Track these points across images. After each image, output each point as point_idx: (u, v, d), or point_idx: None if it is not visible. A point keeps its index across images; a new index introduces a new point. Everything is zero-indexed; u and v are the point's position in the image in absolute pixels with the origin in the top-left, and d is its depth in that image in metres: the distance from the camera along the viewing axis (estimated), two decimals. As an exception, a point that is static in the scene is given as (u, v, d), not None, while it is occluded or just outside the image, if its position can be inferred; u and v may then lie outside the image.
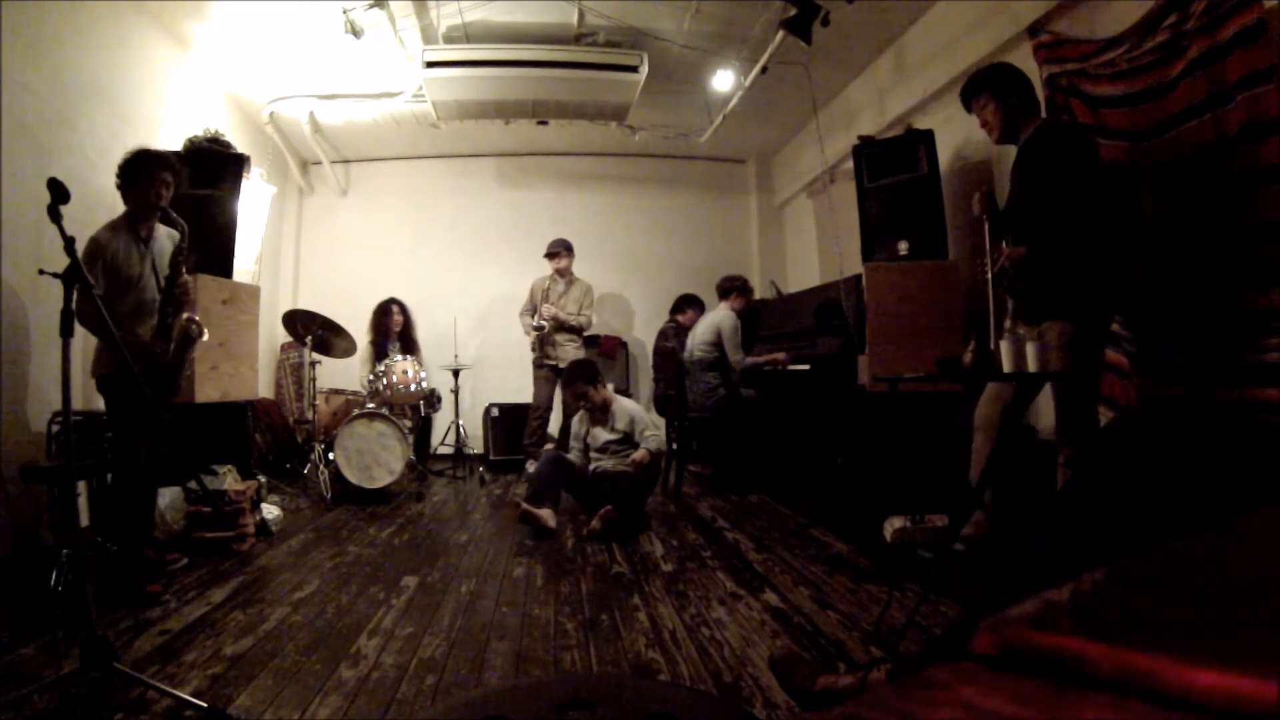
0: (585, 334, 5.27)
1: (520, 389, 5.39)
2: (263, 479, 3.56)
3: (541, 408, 5.09)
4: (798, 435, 4.24)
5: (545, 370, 5.10)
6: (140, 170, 2.50)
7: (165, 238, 2.65)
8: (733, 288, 4.49)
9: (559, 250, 5.18)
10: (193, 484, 2.97)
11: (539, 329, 5.03)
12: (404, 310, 5.25)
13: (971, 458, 2.60)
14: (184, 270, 2.59)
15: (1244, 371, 2.21)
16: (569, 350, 5.08)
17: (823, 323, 4.14)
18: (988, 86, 2.45)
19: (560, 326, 5.07)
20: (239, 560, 2.84)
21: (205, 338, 2.68)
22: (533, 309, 5.19)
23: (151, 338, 2.50)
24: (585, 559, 2.86)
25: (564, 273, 5.21)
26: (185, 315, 2.59)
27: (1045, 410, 2.68)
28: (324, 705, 1.61)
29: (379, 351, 5.01)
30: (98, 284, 2.29)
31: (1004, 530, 2.43)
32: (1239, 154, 2.19)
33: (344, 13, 3.68)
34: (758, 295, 5.60)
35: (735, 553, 2.89)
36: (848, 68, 4.61)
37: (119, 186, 2.53)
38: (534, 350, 5.14)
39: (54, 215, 1.61)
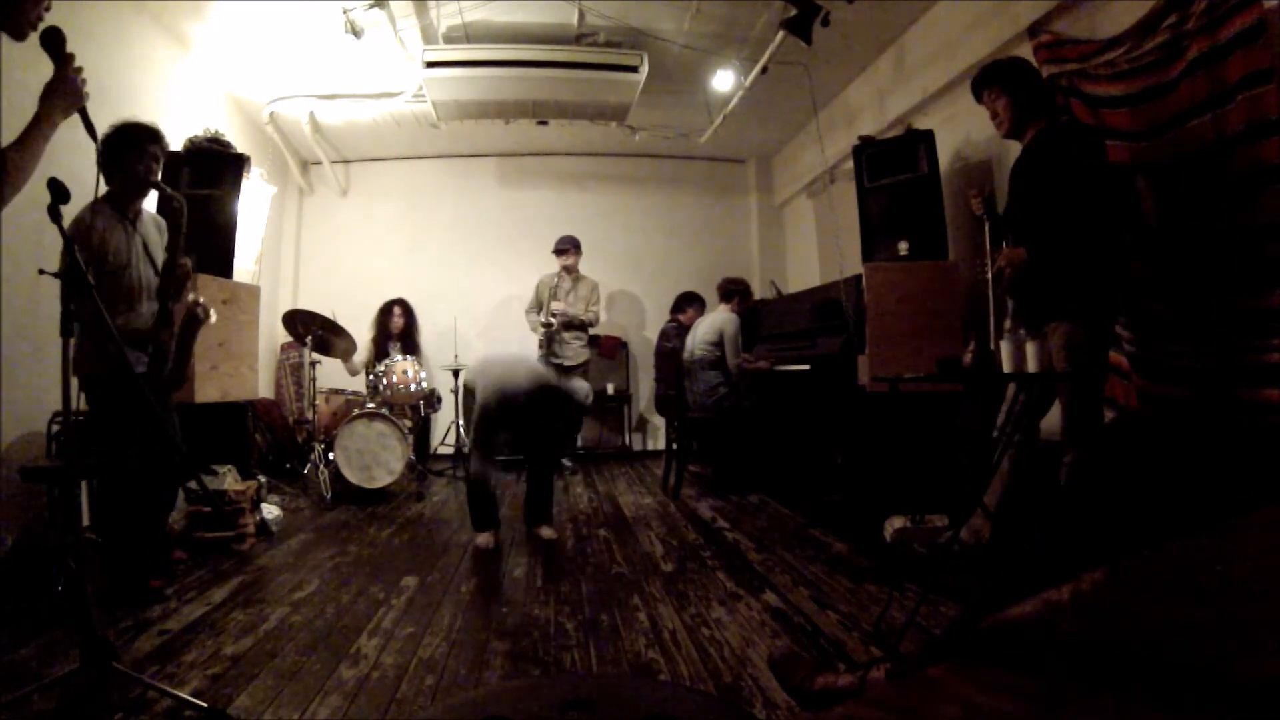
0: (590, 332, 5.27)
1: (520, 389, 5.39)
2: (263, 479, 3.56)
3: None
4: (798, 435, 4.24)
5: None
6: (127, 142, 2.33)
7: (151, 222, 2.49)
8: (734, 292, 4.49)
9: (568, 247, 5.17)
10: (193, 484, 2.96)
11: (547, 326, 5.01)
12: (407, 312, 5.25)
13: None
14: (183, 250, 2.39)
15: (1245, 372, 2.21)
16: (575, 349, 5.09)
17: (823, 323, 4.14)
18: (1002, 79, 2.45)
19: (568, 324, 5.05)
20: (239, 560, 2.84)
21: (213, 320, 2.51)
22: (539, 307, 5.18)
23: (153, 325, 2.33)
24: (585, 559, 2.86)
25: (571, 270, 5.21)
26: (191, 298, 2.43)
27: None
28: (324, 705, 1.61)
29: (380, 351, 5.02)
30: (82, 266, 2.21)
31: (1001, 534, 2.42)
32: (1240, 154, 2.19)
33: (344, 13, 3.68)
34: (758, 295, 5.60)
35: (735, 553, 2.89)
36: (848, 68, 4.61)
37: (101, 164, 2.29)
38: (540, 349, 5.12)
39: (54, 215, 1.60)
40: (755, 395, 4.33)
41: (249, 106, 4.97)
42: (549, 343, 5.06)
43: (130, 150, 2.33)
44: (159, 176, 2.41)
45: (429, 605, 2.31)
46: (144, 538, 2.49)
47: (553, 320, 5.01)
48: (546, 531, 3.19)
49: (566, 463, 5.14)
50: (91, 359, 2.28)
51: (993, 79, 2.46)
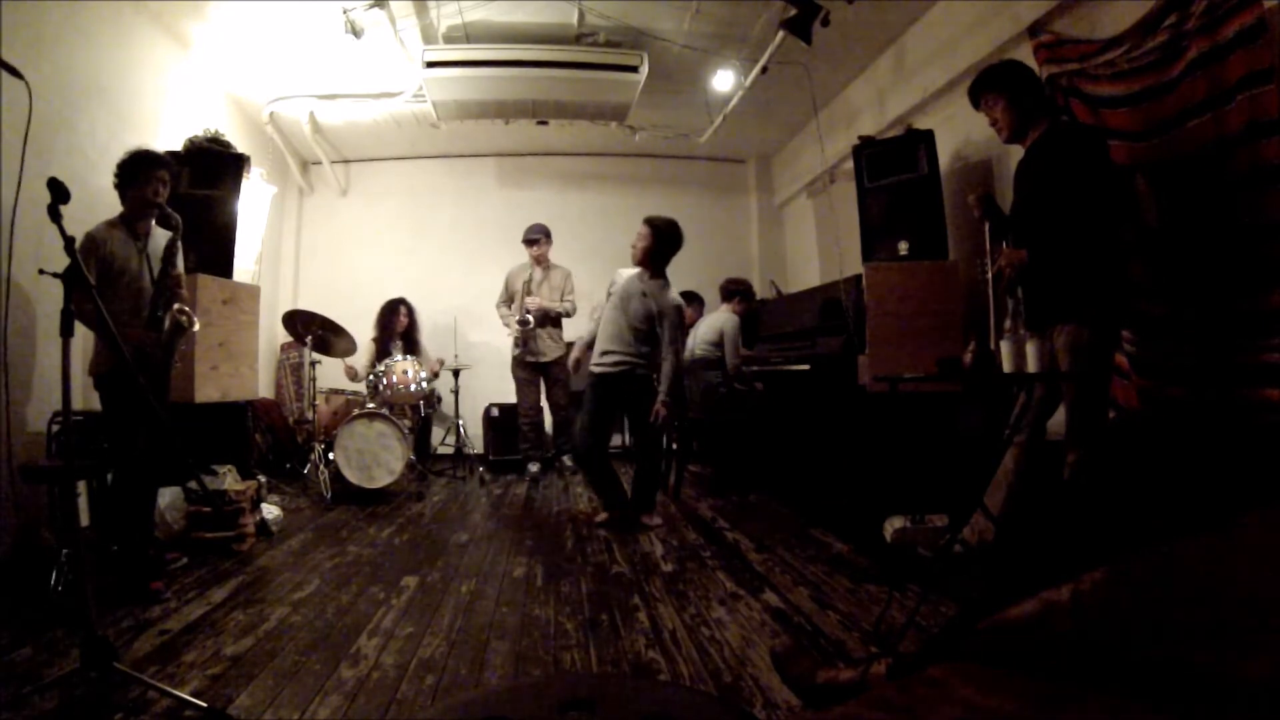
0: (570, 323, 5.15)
1: (520, 388, 5.37)
2: (263, 479, 3.56)
3: (531, 411, 5.01)
4: (798, 435, 4.24)
5: (527, 371, 4.95)
6: (137, 169, 2.54)
7: (162, 238, 2.65)
8: (736, 292, 4.48)
9: (539, 237, 4.99)
10: (193, 484, 2.97)
11: (524, 324, 4.84)
12: (411, 312, 5.25)
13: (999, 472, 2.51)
14: (176, 264, 2.61)
15: (1245, 372, 2.21)
16: (551, 345, 4.94)
17: (823, 323, 4.14)
18: (998, 84, 2.40)
19: (545, 318, 4.92)
20: (239, 560, 2.84)
21: (196, 328, 2.65)
22: (509, 300, 5.02)
23: (142, 330, 2.49)
24: (585, 559, 2.86)
25: (542, 260, 5.04)
26: (175, 306, 2.57)
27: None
28: (324, 705, 1.61)
29: (381, 350, 5.02)
30: (90, 278, 2.31)
31: (1003, 533, 2.42)
32: (1240, 154, 2.19)
33: (344, 13, 3.68)
34: (758, 295, 5.60)
35: (735, 553, 2.89)
36: (848, 68, 4.61)
37: (117, 185, 2.56)
38: (517, 347, 4.96)
39: (54, 215, 1.61)
40: (754, 398, 4.33)
41: (249, 106, 4.97)
42: (525, 341, 4.91)
43: (139, 175, 2.54)
44: (164, 199, 2.60)
45: (429, 605, 2.31)
46: (146, 537, 2.52)
47: (529, 318, 4.83)
48: (651, 519, 3.37)
49: (567, 461, 5.13)
50: (103, 359, 2.49)
51: (988, 84, 2.42)
